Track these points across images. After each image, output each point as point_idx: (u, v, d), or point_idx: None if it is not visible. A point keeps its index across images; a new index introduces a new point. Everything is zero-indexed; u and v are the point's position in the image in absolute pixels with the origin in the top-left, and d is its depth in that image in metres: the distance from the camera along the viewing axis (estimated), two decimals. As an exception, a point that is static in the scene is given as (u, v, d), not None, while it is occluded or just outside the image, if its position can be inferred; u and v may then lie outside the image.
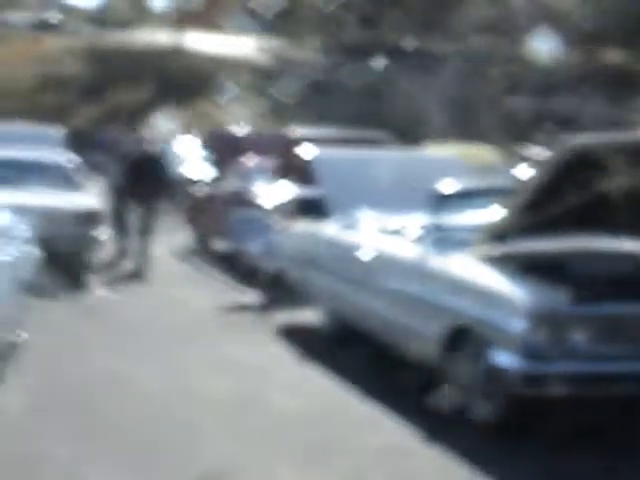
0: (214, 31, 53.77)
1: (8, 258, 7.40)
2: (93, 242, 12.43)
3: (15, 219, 8.78)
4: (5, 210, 8.83)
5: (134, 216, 13.81)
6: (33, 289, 8.59)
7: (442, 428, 6.54)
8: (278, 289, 10.52)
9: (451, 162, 10.66)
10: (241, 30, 49.45)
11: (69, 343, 8.80)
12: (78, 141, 21.52)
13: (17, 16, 65.33)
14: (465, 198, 7.93)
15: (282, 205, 11.63)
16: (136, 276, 13.00)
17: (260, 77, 43.26)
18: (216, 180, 16.44)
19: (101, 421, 6.59)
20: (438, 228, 7.58)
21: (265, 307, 10.67)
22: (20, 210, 9.40)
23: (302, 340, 9.26)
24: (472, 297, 6.78)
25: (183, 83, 45.26)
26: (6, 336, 6.53)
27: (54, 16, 69.03)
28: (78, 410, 6.81)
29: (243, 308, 10.85)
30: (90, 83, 47.59)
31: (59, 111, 41.92)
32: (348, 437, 6.45)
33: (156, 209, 13.76)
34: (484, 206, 7.74)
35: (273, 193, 12.41)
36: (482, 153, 17.53)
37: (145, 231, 13.53)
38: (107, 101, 45.99)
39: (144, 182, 13.51)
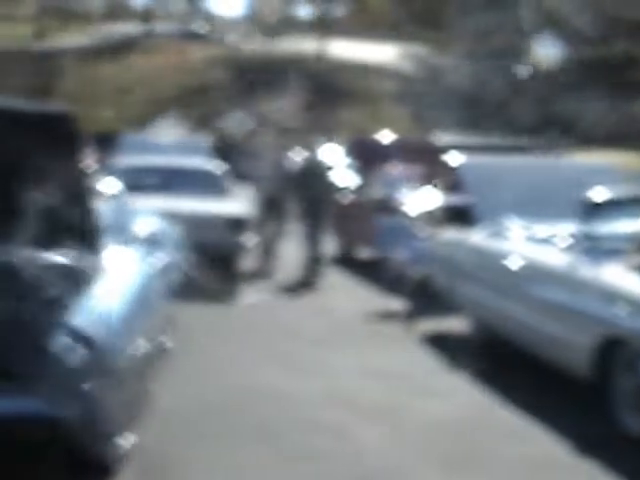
0: (358, 38, 53.99)
1: (159, 263, 7.57)
2: (241, 248, 12.65)
3: (166, 225, 9.01)
4: (157, 216, 9.07)
5: (277, 225, 13.98)
6: (182, 294, 8.78)
7: (597, 442, 6.39)
8: (424, 297, 10.48)
9: (602, 169, 10.42)
10: (385, 37, 49.53)
11: (217, 347, 8.97)
12: (224, 149, 21.95)
13: (165, 26, 67.13)
14: (617, 206, 7.74)
15: (428, 213, 11.59)
16: (307, 284, 13.11)
17: (404, 84, 43.21)
18: (360, 187, 16.50)
19: (253, 425, 6.67)
20: (589, 237, 7.43)
21: (411, 315, 10.64)
22: (171, 216, 9.65)
23: (449, 348, 9.19)
24: (625, 307, 6.61)
25: (327, 90, 45.60)
26: (157, 341, 6.68)
27: (201, 26, 70.60)
28: (228, 414, 6.92)
29: (389, 315, 10.85)
30: (235, 91, 48.44)
31: (205, 119, 42.80)
32: (500, 446, 6.37)
33: (323, 217, 13.83)
34: (636, 215, 7.56)
35: (419, 200, 12.38)
36: (634, 160, 17.09)
37: (314, 239, 13.59)
38: (252, 109, 46.71)
39: (311, 190, 13.62)
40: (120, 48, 59.73)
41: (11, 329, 4.80)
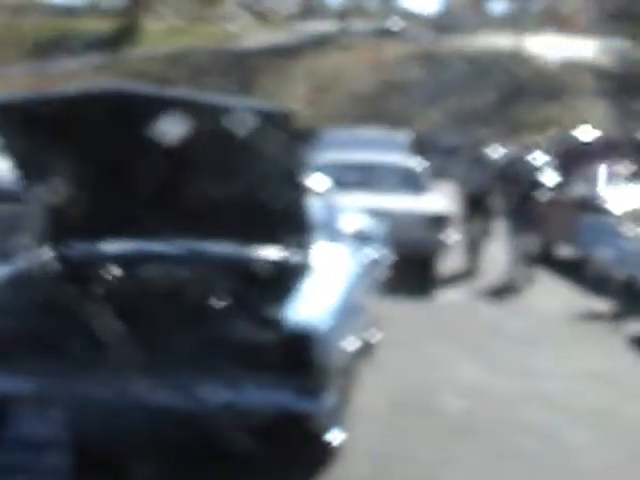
0: (554, 34, 52.94)
1: (367, 260, 7.65)
2: (441, 246, 12.60)
3: (373, 222, 9.09)
4: (362, 213, 9.16)
5: (483, 224, 13.85)
6: (384, 291, 8.84)
7: None
8: (631, 297, 10.19)
9: None
10: (583, 32, 48.36)
11: (417, 344, 8.98)
12: (421, 145, 21.94)
13: (360, 24, 67.75)
14: None
15: (635, 211, 11.26)
16: (510, 283, 12.99)
17: (604, 80, 42.03)
18: (561, 185, 16.17)
19: (454, 423, 6.66)
20: None
21: (617, 316, 10.36)
22: (374, 213, 9.72)
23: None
24: None
25: (524, 87, 44.89)
26: (363, 335, 6.76)
27: (395, 23, 70.78)
28: (429, 412, 6.92)
29: (594, 316, 10.60)
30: (430, 88, 48.33)
31: (401, 116, 42.90)
32: None
33: (529, 215, 13.64)
34: None
35: (624, 198, 12.04)
36: None
37: (520, 238, 13.44)
38: (448, 106, 46.50)
39: (517, 188, 13.46)
40: (316, 46, 60.62)
41: (238, 325, 4.96)
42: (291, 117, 5.18)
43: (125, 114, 5.07)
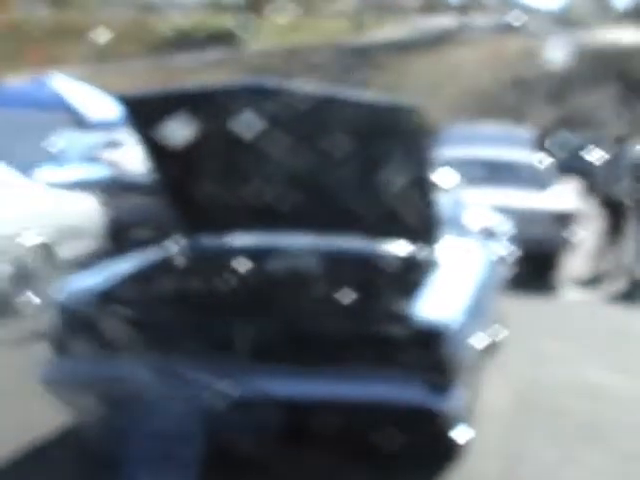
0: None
1: (493, 256, 7.59)
2: (566, 243, 12.40)
3: (498, 219, 9.01)
4: (488, 209, 9.09)
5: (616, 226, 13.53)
6: (508, 287, 8.75)
7: None
8: None
9: None
10: None
11: (540, 342, 8.84)
12: (543, 141, 21.61)
13: (481, 19, 67.23)
14: None
15: None
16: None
17: None
18: None
19: (580, 425, 6.53)
20: None
21: None
22: (498, 210, 9.63)
23: None
24: None
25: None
26: (490, 333, 6.71)
27: (517, 18, 69.91)
28: (553, 411, 6.79)
29: None
30: (551, 84, 47.59)
31: (521, 112, 42.37)
32: None
33: None
34: None
35: None
36: None
37: None
38: (568, 102, 45.73)
39: None
40: (436, 41, 60.30)
41: (367, 320, 4.96)
42: (420, 112, 5.16)
43: (262, 108, 5.13)
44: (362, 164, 5.57)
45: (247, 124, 5.25)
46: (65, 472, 5.31)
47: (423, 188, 5.65)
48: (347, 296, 5.51)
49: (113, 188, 12.91)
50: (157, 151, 5.83)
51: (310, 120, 5.03)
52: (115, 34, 64.05)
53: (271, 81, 5.27)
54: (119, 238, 12.89)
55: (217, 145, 5.54)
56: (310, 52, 63.69)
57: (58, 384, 5.26)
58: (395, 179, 5.60)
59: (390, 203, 5.64)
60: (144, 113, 5.60)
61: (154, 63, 63.57)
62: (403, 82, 49.05)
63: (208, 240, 6.32)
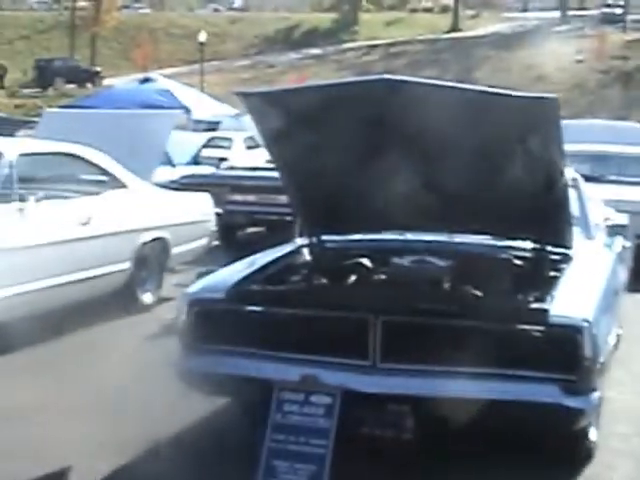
0: None
1: (617, 252, 7.45)
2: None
3: (617, 214, 8.85)
4: (607, 204, 8.94)
5: None
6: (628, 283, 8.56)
7: None
8: None
9: None
10: None
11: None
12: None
13: (582, 12, 66.32)
14: None
15: None
16: None
17: None
18: None
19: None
20: None
21: None
22: (615, 204, 9.45)
23: None
24: None
25: None
26: (617, 331, 6.57)
27: (616, 9, 68.90)
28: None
29: None
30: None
31: (625, 106, 41.62)
32: None
33: None
34: None
35: None
36: None
37: None
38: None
39: None
40: (536, 35, 59.58)
41: (502, 319, 4.91)
42: (557, 105, 5.06)
43: (391, 105, 5.10)
44: (501, 160, 5.48)
45: (377, 120, 5.22)
46: (204, 462, 5.39)
47: (558, 183, 5.56)
48: (480, 295, 5.48)
49: (223, 187, 13.07)
50: (283, 150, 5.86)
51: (447, 115, 4.97)
52: (215, 33, 64.96)
53: (397, 77, 5.22)
54: (229, 236, 13.05)
55: (345, 143, 5.53)
56: (409, 47, 63.47)
57: (192, 377, 5.35)
58: (532, 174, 5.52)
59: (525, 199, 5.55)
60: (268, 110, 5.62)
61: (254, 61, 64.11)
62: (503, 77, 48.55)
63: (335, 238, 6.34)
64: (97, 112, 13.66)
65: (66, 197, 8.70)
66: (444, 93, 5.10)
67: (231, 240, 13.37)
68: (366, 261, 6.17)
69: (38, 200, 7.84)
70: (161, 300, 9.58)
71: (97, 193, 8.94)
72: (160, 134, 11.11)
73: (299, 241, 6.53)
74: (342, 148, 5.54)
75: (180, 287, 10.11)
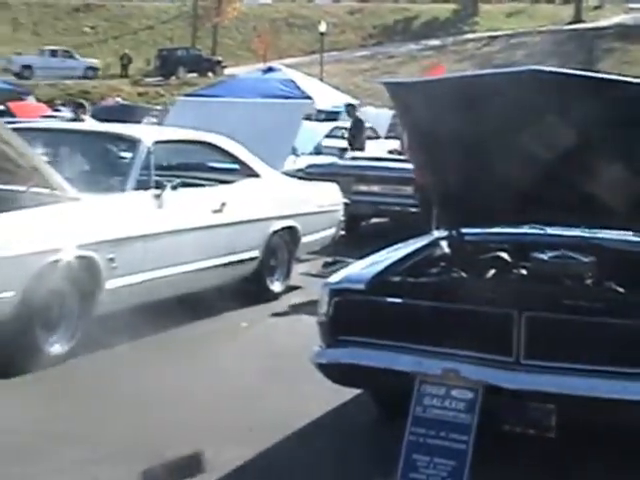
0: None
1: None
2: None
3: None
4: None
5: None
6: None
7: None
8: None
9: None
10: None
11: None
12: None
13: None
14: None
15: None
16: None
17: None
18: None
19: None
20: None
21: None
22: None
23: None
24: None
25: None
26: None
27: None
28: None
29: None
30: None
31: None
32: None
33: None
34: None
35: None
36: None
37: None
38: None
39: None
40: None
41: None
42: None
43: (537, 97, 4.99)
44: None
45: (522, 112, 5.12)
46: (338, 454, 5.40)
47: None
48: (625, 292, 5.33)
49: (348, 177, 13.07)
50: (425, 140, 5.80)
51: (594, 108, 4.85)
52: (335, 24, 65.07)
53: (547, 68, 5.09)
54: (354, 227, 13.05)
55: (488, 134, 5.44)
56: (530, 38, 62.49)
57: (329, 368, 5.35)
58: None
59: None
60: (412, 100, 5.56)
61: (373, 52, 64.01)
62: (626, 69, 47.40)
63: (473, 231, 6.25)
64: (228, 101, 13.77)
65: (200, 185, 8.81)
66: (593, 84, 4.96)
67: (355, 230, 13.37)
68: (505, 255, 6.07)
69: (174, 187, 7.93)
70: (289, 289, 9.65)
71: (230, 181, 9.03)
72: (291, 123, 11.17)
73: (436, 233, 6.47)
74: (484, 140, 5.45)
75: (307, 276, 10.28)
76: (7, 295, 6.41)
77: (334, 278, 5.55)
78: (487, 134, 5.40)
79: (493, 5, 75.44)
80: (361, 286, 5.33)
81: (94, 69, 58.01)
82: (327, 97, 20.93)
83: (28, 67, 55.18)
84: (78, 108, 13.09)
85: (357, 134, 18.19)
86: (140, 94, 50.41)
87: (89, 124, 10.95)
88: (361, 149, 17.10)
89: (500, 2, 77.97)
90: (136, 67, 59.45)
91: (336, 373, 5.38)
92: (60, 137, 8.79)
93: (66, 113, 29.07)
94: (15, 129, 7.47)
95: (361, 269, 5.65)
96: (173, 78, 55.87)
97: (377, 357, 5.17)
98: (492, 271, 5.86)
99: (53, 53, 57.72)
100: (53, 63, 55.94)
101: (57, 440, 5.38)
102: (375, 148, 21.07)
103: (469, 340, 4.99)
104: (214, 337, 7.96)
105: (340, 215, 10.50)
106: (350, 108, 18.59)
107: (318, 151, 18.49)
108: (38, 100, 33.53)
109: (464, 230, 6.22)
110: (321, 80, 29.06)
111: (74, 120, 12.36)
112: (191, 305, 8.29)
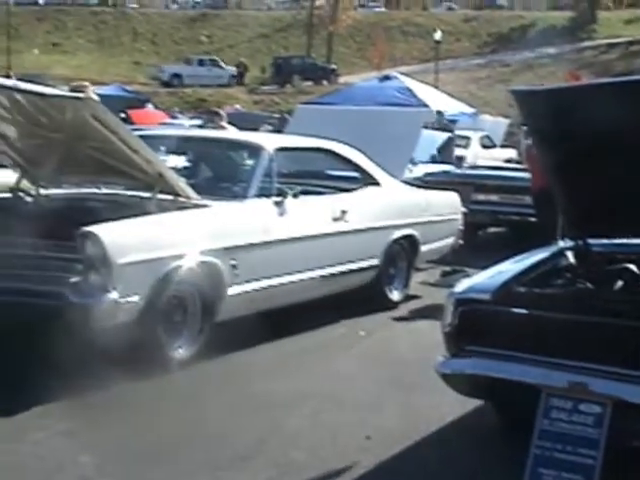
0: None
1: None
2: None
3: None
4: None
5: None
6: None
7: None
8: None
9: None
10: None
11: None
12: None
13: None
14: None
15: None
16: None
17: None
18: None
19: None
20: None
21: None
22: None
23: None
24: None
25: None
26: None
27: None
28: None
29: None
30: None
31: None
32: None
33: None
34: None
35: None
36: None
37: None
38: None
39: None
40: None
41: None
42: None
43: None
44: None
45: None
46: (461, 463, 5.36)
47: None
48: None
49: (466, 186, 12.97)
50: (553, 149, 5.71)
51: None
52: (449, 31, 64.74)
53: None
54: (471, 236, 12.92)
55: (618, 144, 5.32)
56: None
57: (454, 377, 5.31)
58: None
59: None
60: (540, 109, 5.48)
61: (488, 60, 63.48)
62: None
63: (600, 242, 6.13)
64: (348, 108, 13.82)
65: (320, 192, 8.85)
66: None
67: (472, 239, 13.25)
68: (634, 267, 5.93)
69: (295, 195, 7.98)
70: (408, 297, 9.61)
71: (351, 189, 9.05)
72: (411, 131, 11.14)
73: (562, 243, 6.36)
74: (614, 150, 5.33)
75: (426, 285, 10.24)
76: (133, 299, 6.52)
77: (459, 288, 5.50)
78: (619, 143, 5.28)
79: (611, 12, 73.96)
80: (487, 296, 5.27)
81: (237, 76, 59.14)
82: (443, 105, 20.83)
83: (178, 76, 57.50)
84: (215, 116, 13.29)
85: (445, 146, 17.80)
86: (256, 102, 51.02)
87: (213, 132, 11.10)
88: (450, 162, 16.34)
89: (619, 9, 76.41)
90: (252, 75, 60.15)
91: (460, 383, 5.34)
92: (183, 144, 8.93)
93: (183, 120, 29.65)
94: (141, 136, 7.60)
95: (486, 279, 5.60)
96: (288, 86, 56.35)
97: (503, 368, 5.11)
98: (620, 283, 5.72)
99: (201, 62, 59.68)
100: (201, 71, 57.99)
101: (183, 443, 5.46)
102: (490, 156, 20.89)
103: (597, 353, 4.89)
104: (332, 344, 7.98)
105: (459, 224, 10.42)
106: (439, 116, 18.30)
107: (434, 159, 18.39)
108: (156, 107, 34.23)
109: (591, 241, 6.10)
110: (436, 88, 28.95)
111: (211, 128, 12.56)
112: (310, 312, 8.32)
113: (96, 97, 7.06)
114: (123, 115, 22.83)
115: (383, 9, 79.27)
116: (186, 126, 23.82)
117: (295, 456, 5.36)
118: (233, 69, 59.57)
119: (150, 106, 32.36)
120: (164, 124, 25.17)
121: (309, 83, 56.64)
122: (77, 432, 5.62)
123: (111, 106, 7.02)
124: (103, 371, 6.02)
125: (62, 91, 7.52)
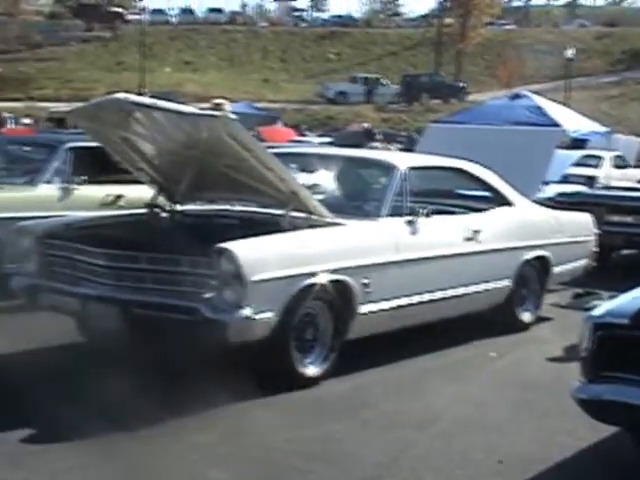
0: None
1: None
2: None
3: None
4: None
5: None
6: None
7: None
8: None
9: None
10: None
11: None
12: None
13: None
14: None
15: None
16: None
17: None
18: None
19: None
20: None
21: None
22: None
23: None
24: None
25: None
26: None
27: None
28: None
29: None
30: None
31: None
32: None
33: None
34: None
35: None
36: None
37: None
38: None
39: None
40: None
41: None
42: None
43: None
44: None
45: None
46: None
47: None
48: None
49: (600, 207, 12.69)
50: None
51: None
52: (581, 49, 63.67)
53: None
54: (604, 258, 12.65)
55: None
56: None
57: (591, 404, 5.20)
58: None
59: None
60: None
61: (622, 77, 62.20)
62: None
63: None
64: (480, 127, 13.71)
65: (452, 212, 8.79)
66: None
67: (605, 261, 12.96)
68: None
69: (427, 214, 7.94)
70: (539, 319, 9.46)
71: (483, 209, 8.96)
72: (545, 151, 10.98)
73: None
74: None
75: (557, 307, 10.06)
76: (267, 316, 6.58)
77: (597, 312, 5.39)
78: None
79: None
80: (625, 321, 5.15)
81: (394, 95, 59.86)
82: (574, 124, 20.45)
83: (343, 93, 59.13)
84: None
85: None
86: (384, 120, 51.09)
87: (346, 150, 11.15)
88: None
89: None
90: (380, 93, 60.31)
91: (597, 409, 5.23)
92: (316, 162, 8.97)
93: (312, 138, 29.91)
94: (276, 154, 7.69)
95: (625, 303, 5.47)
96: (416, 104, 56.27)
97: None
98: None
99: (364, 80, 60.80)
100: (364, 90, 59.41)
101: (309, 461, 5.48)
102: (623, 176, 20.41)
103: None
104: (462, 365, 7.90)
105: (593, 246, 10.21)
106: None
107: (565, 179, 18.10)
108: (285, 125, 34.64)
109: None
110: (567, 106, 28.48)
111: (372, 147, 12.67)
112: (441, 332, 8.27)
113: (233, 115, 7.16)
114: (252, 132, 23.15)
115: (513, 27, 78.49)
116: (315, 143, 23.99)
117: (426, 477, 5.32)
118: (397, 87, 59.83)
119: (279, 123, 32.75)
120: (293, 141, 25.41)
121: (437, 101, 56.45)
122: (210, 444, 5.70)
123: (242, 123, 7.12)
124: (233, 384, 6.09)
125: (198, 109, 7.65)
